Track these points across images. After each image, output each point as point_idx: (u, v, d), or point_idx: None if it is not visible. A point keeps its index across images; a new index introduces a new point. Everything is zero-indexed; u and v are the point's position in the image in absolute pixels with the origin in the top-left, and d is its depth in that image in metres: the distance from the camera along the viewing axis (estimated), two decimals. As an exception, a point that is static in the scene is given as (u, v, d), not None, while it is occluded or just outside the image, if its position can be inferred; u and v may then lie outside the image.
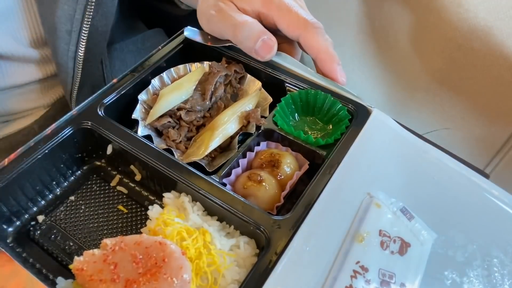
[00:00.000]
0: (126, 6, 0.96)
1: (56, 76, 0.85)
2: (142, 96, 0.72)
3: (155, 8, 1.12)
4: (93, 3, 0.71)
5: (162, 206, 0.62)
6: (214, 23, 0.70)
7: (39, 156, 0.62)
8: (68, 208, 0.66)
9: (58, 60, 0.76)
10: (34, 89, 0.84)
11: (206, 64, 0.77)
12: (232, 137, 0.70)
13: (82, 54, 0.75)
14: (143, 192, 0.68)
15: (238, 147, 0.69)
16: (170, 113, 0.71)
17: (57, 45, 0.74)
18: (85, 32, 0.73)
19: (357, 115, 0.69)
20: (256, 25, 0.67)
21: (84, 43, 0.74)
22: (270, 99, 0.74)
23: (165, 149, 0.65)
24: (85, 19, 0.72)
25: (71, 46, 0.74)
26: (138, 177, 0.68)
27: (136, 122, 0.70)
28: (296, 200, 0.59)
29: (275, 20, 0.69)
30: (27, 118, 0.86)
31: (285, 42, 0.76)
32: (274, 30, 0.71)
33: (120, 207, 0.66)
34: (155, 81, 0.75)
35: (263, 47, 0.67)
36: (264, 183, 0.63)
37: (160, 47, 0.79)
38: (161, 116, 0.70)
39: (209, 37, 0.79)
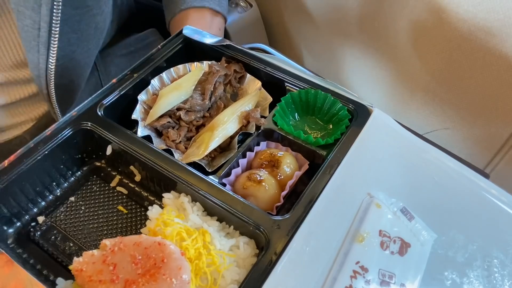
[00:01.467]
0: (117, 14, 0.96)
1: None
2: (141, 97, 0.72)
3: (148, 8, 1.11)
4: (56, 47, 0.72)
5: (161, 207, 0.62)
6: None
7: (39, 157, 0.62)
8: (68, 209, 0.66)
9: (37, 83, 0.77)
10: (20, 106, 0.84)
11: (205, 64, 0.77)
12: (232, 137, 0.70)
13: (54, 95, 0.78)
14: (143, 193, 0.68)
15: (238, 147, 0.69)
16: (169, 113, 0.71)
17: (33, 72, 0.76)
18: (51, 77, 0.75)
19: (357, 115, 0.69)
20: None
21: (53, 85, 0.76)
22: (270, 99, 0.74)
23: (164, 150, 0.65)
24: (49, 66, 0.74)
25: (43, 90, 0.77)
26: (138, 177, 0.68)
27: (136, 122, 0.70)
28: (296, 200, 0.59)
29: None
30: (17, 129, 0.86)
31: None
32: None
33: (120, 207, 0.66)
34: (155, 81, 0.75)
35: None
36: (263, 183, 0.63)
37: (160, 46, 0.79)
38: (161, 117, 0.70)
39: (208, 36, 0.80)
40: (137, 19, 1.06)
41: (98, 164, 0.71)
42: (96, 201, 0.67)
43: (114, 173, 0.70)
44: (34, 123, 0.87)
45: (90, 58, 0.84)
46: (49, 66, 0.73)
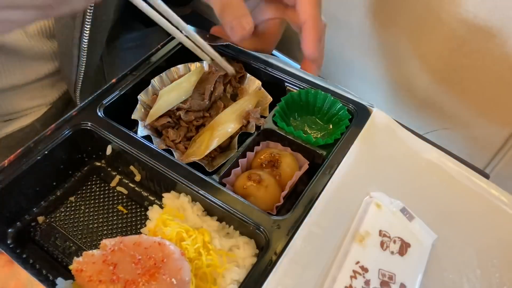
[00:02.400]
0: (124, 4, 0.97)
1: (59, 72, 0.85)
2: (141, 96, 0.72)
3: (153, 7, 1.12)
4: None
5: (161, 207, 0.62)
6: None
7: (39, 157, 0.62)
8: (68, 209, 0.66)
9: (63, 50, 0.76)
10: (37, 87, 0.85)
11: (205, 63, 0.77)
12: (232, 137, 0.69)
13: (86, 40, 0.76)
14: (143, 193, 0.68)
15: (238, 147, 0.69)
16: (169, 113, 0.71)
17: (62, 33, 0.75)
18: (89, 19, 0.74)
19: (357, 114, 0.69)
20: (238, 6, 0.71)
21: (88, 29, 0.75)
22: (270, 99, 0.74)
23: (164, 150, 0.65)
24: (88, 6, 0.73)
25: (75, 33, 0.75)
26: (137, 177, 0.67)
27: (136, 122, 0.70)
28: (296, 200, 0.59)
29: None
30: (29, 116, 0.87)
31: (271, 19, 0.80)
32: None
33: (120, 207, 0.66)
34: (155, 81, 0.75)
35: (237, 27, 0.70)
36: (263, 183, 0.63)
37: (159, 46, 0.79)
38: (161, 116, 0.70)
39: (208, 36, 0.80)
40: (144, 16, 1.07)
41: (98, 164, 0.71)
42: (96, 201, 0.67)
43: (114, 173, 0.70)
44: (48, 108, 0.87)
45: (109, 17, 0.83)
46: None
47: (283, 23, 0.81)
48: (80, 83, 0.81)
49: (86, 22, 0.74)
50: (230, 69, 0.73)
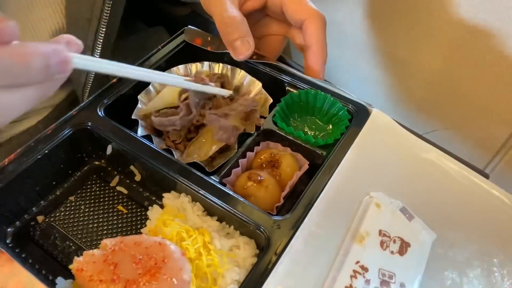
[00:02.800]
0: (127, 4, 0.97)
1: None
2: (142, 96, 0.72)
3: (155, 7, 1.12)
4: None
5: (162, 207, 0.62)
6: (207, 3, 0.73)
7: (39, 156, 0.62)
8: (67, 209, 0.66)
9: None
10: None
11: (206, 64, 0.77)
12: (232, 137, 0.69)
13: (100, 43, 0.76)
14: (143, 193, 0.68)
15: (238, 147, 0.69)
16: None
17: (76, 35, 0.75)
18: (105, 19, 0.73)
19: (357, 115, 0.69)
20: (242, 25, 0.69)
21: (103, 32, 0.75)
22: (270, 100, 0.74)
23: (164, 150, 0.65)
24: (106, 6, 0.72)
25: (89, 35, 0.75)
26: (138, 177, 0.67)
27: (136, 122, 0.70)
28: (296, 200, 0.59)
29: (283, 3, 0.72)
30: (33, 118, 0.87)
31: (274, 35, 0.80)
32: (276, 14, 0.75)
33: (120, 207, 0.66)
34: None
35: (240, 47, 0.69)
36: (264, 183, 0.63)
37: (160, 47, 0.79)
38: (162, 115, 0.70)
39: (209, 39, 0.80)
40: (146, 17, 1.07)
41: (98, 163, 0.71)
42: (96, 201, 0.67)
43: (114, 173, 0.70)
44: (52, 109, 0.87)
45: (119, 19, 0.83)
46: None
47: (285, 39, 0.80)
48: (90, 85, 0.81)
49: (102, 25, 0.74)
50: (224, 92, 0.72)
